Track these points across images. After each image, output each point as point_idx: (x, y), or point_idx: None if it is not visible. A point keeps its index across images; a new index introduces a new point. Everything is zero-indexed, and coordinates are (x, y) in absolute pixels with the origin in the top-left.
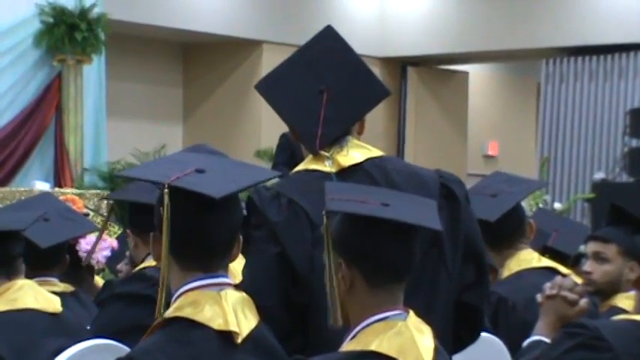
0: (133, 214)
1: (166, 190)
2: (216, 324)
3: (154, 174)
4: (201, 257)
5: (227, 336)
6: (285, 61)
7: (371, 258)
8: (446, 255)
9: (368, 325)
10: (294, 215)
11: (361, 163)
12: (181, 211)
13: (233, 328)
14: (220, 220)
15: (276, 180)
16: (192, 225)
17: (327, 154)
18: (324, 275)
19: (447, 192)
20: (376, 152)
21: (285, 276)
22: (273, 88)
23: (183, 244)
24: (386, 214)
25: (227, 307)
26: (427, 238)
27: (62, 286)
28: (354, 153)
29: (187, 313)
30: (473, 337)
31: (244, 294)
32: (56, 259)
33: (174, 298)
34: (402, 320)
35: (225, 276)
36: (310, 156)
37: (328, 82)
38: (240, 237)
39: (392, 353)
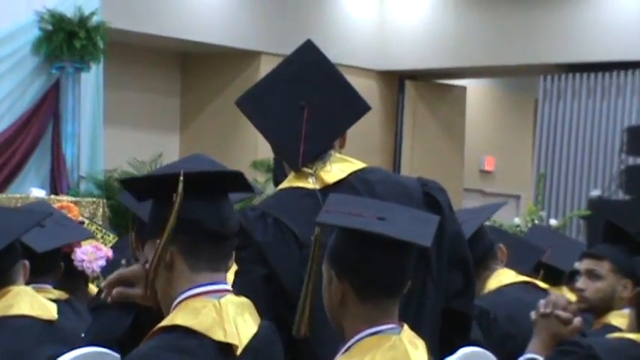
0: (139, 224)
1: (181, 178)
2: (216, 334)
3: (161, 170)
4: (211, 250)
5: (226, 347)
6: (266, 77)
7: (361, 272)
8: (432, 264)
9: (361, 339)
10: (280, 235)
11: (345, 178)
12: (194, 199)
13: (232, 340)
14: (229, 209)
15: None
16: (206, 212)
17: (310, 170)
18: (304, 286)
19: (430, 200)
20: (359, 165)
21: (274, 296)
22: (253, 105)
23: (195, 234)
24: (380, 230)
25: (227, 317)
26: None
27: (57, 293)
28: (337, 168)
29: (186, 321)
30: (463, 342)
31: (245, 299)
32: (51, 265)
33: (174, 304)
34: (396, 334)
35: (225, 282)
36: (293, 173)
37: (309, 98)
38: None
39: None
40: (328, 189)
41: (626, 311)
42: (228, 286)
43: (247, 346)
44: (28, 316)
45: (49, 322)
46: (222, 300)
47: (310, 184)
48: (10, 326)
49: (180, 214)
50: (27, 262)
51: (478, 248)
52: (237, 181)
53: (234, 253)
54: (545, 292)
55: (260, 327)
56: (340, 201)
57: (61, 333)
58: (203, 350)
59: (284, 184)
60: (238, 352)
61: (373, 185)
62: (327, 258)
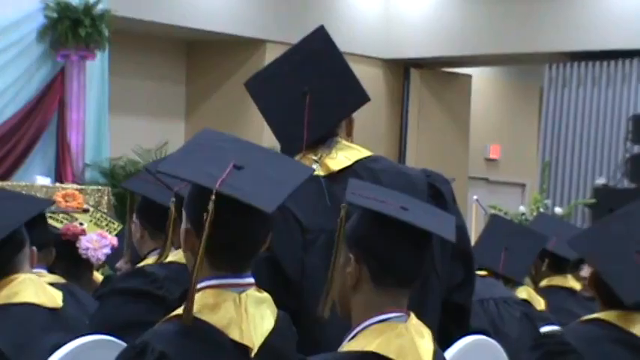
0: (147, 209)
1: (213, 197)
2: (232, 333)
3: (198, 175)
4: (235, 259)
5: (242, 346)
6: (275, 61)
7: (382, 257)
8: (435, 257)
9: (368, 326)
10: (283, 219)
11: (351, 165)
12: (225, 215)
13: (247, 342)
14: (259, 225)
15: None
16: (235, 230)
17: (314, 157)
18: (330, 266)
19: (435, 192)
20: (365, 152)
21: (275, 281)
22: (259, 88)
23: (220, 248)
24: (406, 217)
25: (245, 315)
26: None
27: (51, 277)
28: (343, 155)
29: (205, 316)
30: (461, 334)
31: (265, 293)
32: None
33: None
34: (403, 322)
35: (248, 276)
36: (297, 157)
37: (312, 85)
38: None
39: (391, 355)
40: (333, 176)
41: None
42: (251, 279)
43: (263, 344)
44: (32, 303)
45: (53, 310)
46: (243, 295)
47: (315, 170)
48: (14, 314)
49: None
50: (34, 248)
51: None
52: None
53: None
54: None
55: (276, 321)
56: (363, 186)
57: (65, 321)
58: (220, 346)
59: None
60: (253, 353)
61: (378, 174)
62: (348, 240)
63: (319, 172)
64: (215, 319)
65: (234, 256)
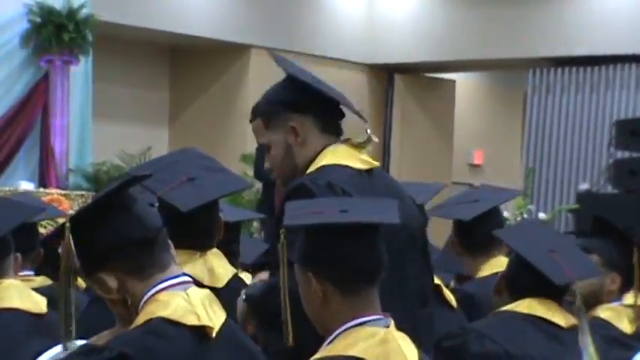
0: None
1: (67, 225)
2: (189, 320)
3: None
4: (150, 254)
5: (200, 333)
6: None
7: (337, 265)
8: (430, 260)
9: (345, 330)
10: None
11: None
12: (108, 218)
13: (207, 322)
14: (143, 208)
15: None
16: (125, 226)
17: (368, 146)
18: (281, 293)
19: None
20: None
21: None
22: (305, 73)
23: (126, 250)
24: (345, 219)
25: (197, 303)
26: (417, 246)
27: (39, 280)
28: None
29: (159, 313)
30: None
31: (208, 290)
32: (26, 246)
33: (141, 304)
34: (384, 326)
35: (183, 274)
36: (337, 149)
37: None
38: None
39: None
40: (371, 172)
41: (615, 305)
42: (188, 277)
43: (219, 331)
44: (17, 309)
45: (38, 316)
46: (189, 290)
47: (359, 163)
48: None
49: (104, 238)
50: (18, 255)
51: (485, 229)
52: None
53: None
54: None
55: (227, 317)
56: (298, 205)
57: (50, 327)
58: (181, 337)
59: (328, 161)
60: (213, 334)
61: (385, 177)
62: (301, 262)
63: (362, 165)
64: (171, 313)
65: (149, 256)
